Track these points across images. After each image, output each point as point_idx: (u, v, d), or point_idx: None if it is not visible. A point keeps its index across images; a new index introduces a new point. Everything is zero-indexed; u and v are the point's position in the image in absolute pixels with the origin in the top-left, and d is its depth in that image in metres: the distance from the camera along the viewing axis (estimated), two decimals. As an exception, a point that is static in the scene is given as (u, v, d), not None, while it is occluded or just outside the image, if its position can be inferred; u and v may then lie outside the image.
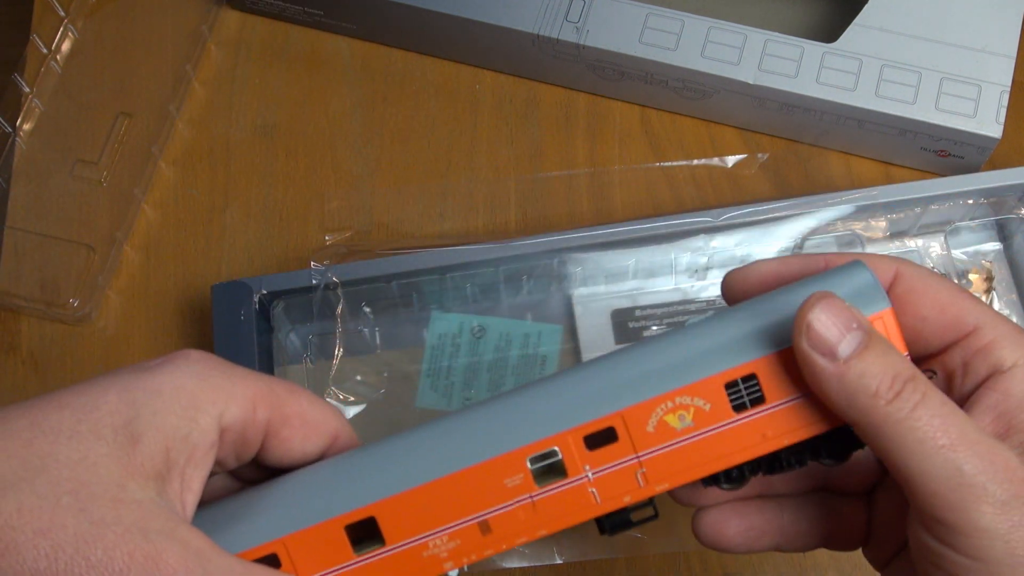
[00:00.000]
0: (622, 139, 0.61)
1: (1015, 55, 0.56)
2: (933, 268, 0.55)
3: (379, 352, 0.56)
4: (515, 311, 0.57)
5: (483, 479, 0.31)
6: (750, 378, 0.31)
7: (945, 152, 0.56)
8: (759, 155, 0.60)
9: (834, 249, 0.56)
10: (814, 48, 0.56)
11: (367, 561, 0.31)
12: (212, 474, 0.32)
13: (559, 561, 0.51)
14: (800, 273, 0.33)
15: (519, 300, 0.57)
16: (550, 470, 0.31)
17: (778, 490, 0.36)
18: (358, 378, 0.55)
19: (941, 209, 0.54)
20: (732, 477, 0.32)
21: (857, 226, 0.54)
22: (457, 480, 0.31)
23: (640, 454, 0.31)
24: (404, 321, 0.57)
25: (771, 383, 0.31)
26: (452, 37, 0.61)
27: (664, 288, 0.56)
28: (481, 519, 0.31)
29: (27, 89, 0.62)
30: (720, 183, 0.60)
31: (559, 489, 0.31)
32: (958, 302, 0.31)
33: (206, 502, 0.32)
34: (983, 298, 0.55)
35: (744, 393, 0.31)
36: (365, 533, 0.31)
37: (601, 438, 0.31)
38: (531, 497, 0.31)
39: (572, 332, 0.56)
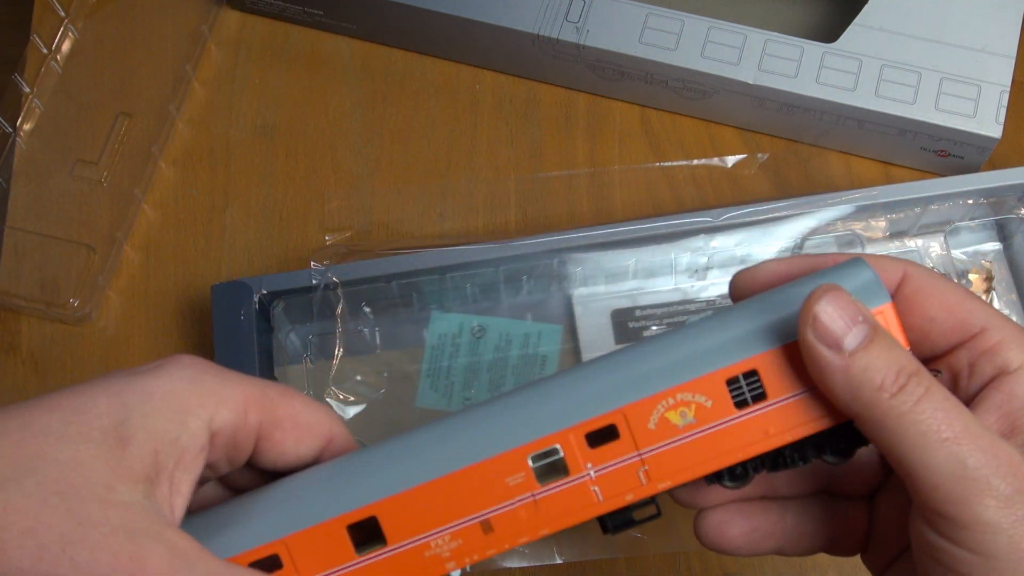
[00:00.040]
0: (622, 139, 0.61)
1: (1015, 55, 0.56)
2: (933, 268, 0.55)
3: (379, 352, 0.56)
4: (515, 311, 0.57)
5: (484, 478, 0.31)
6: (751, 374, 0.31)
7: (945, 152, 0.57)
8: (759, 155, 0.60)
9: (834, 249, 0.56)
10: (814, 48, 0.56)
11: (369, 561, 0.31)
12: (204, 480, 0.32)
13: (559, 561, 0.51)
14: (807, 273, 0.33)
15: (519, 300, 0.57)
16: (552, 468, 0.31)
17: (781, 492, 0.36)
18: (358, 378, 0.55)
19: (941, 209, 0.54)
20: (736, 475, 0.32)
21: (857, 226, 0.54)
22: (458, 479, 0.31)
23: (642, 451, 0.31)
24: (404, 321, 0.57)
25: (773, 379, 0.31)
26: (452, 37, 0.61)
27: (664, 288, 0.56)
28: (483, 518, 0.31)
29: (27, 89, 0.62)
30: (720, 183, 0.60)
31: (561, 487, 0.31)
32: (965, 304, 0.31)
33: (198, 510, 0.32)
34: (983, 298, 0.55)
35: (746, 389, 0.31)
36: (367, 533, 0.31)
37: (603, 435, 0.31)
38: (533, 496, 0.31)
39: (572, 332, 0.56)
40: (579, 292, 0.56)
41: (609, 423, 0.31)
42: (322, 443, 0.33)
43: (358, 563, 0.31)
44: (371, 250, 0.56)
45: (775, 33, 0.57)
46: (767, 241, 0.54)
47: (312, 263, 0.54)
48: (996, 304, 0.55)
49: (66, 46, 0.64)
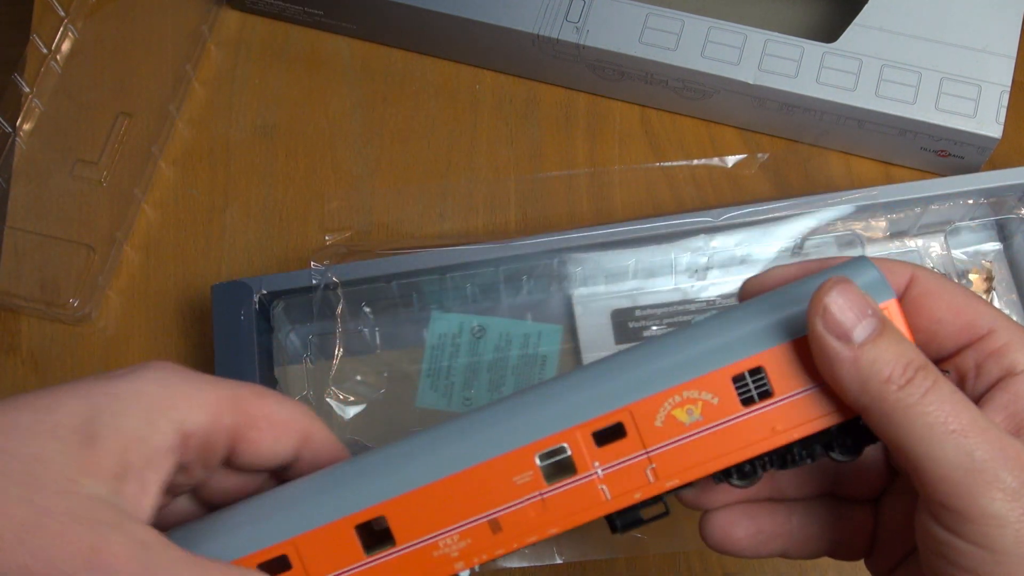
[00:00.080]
0: (622, 139, 0.61)
1: (1015, 55, 0.56)
2: (933, 268, 0.55)
3: (379, 352, 0.56)
4: (515, 311, 0.57)
5: (492, 477, 0.31)
6: (757, 371, 0.31)
7: (945, 152, 0.57)
8: (759, 155, 0.60)
9: (834, 249, 0.56)
10: (814, 48, 0.56)
11: (378, 562, 0.31)
12: (179, 491, 0.32)
13: (559, 561, 0.51)
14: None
15: (519, 300, 0.57)
16: (559, 467, 0.31)
17: (787, 494, 0.36)
18: (358, 378, 0.55)
19: (941, 209, 0.54)
20: (744, 473, 0.32)
21: (857, 226, 0.54)
22: (466, 478, 0.31)
23: (649, 449, 0.31)
24: (404, 321, 0.57)
25: (779, 375, 0.31)
26: (452, 37, 0.61)
27: (664, 288, 0.56)
28: (491, 517, 0.31)
29: (27, 89, 0.62)
30: (720, 183, 0.60)
31: (569, 486, 0.31)
32: (973, 306, 0.32)
33: (176, 524, 0.32)
34: (984, 298, 0.55)
35: (752, 386, 0.31)
36: (375, 533, 0.31)
37: (610, 434, 0.31)
38: (541, 495, 0.31)
39: (572, 332, 0.56)
40: (579, 292, 0.56)
41: (616, 421, 0.31)
42: (299, 440, 0.33)
43: (367, 563, 0.31)
44: (371, 250, 0.56)
45: (775, 33, 0.57)
46: (767, 241, 0.54)
47: (312, 263, 0.54)
48: (996, 304, 0.55)
49: (66, 46, 0.64)
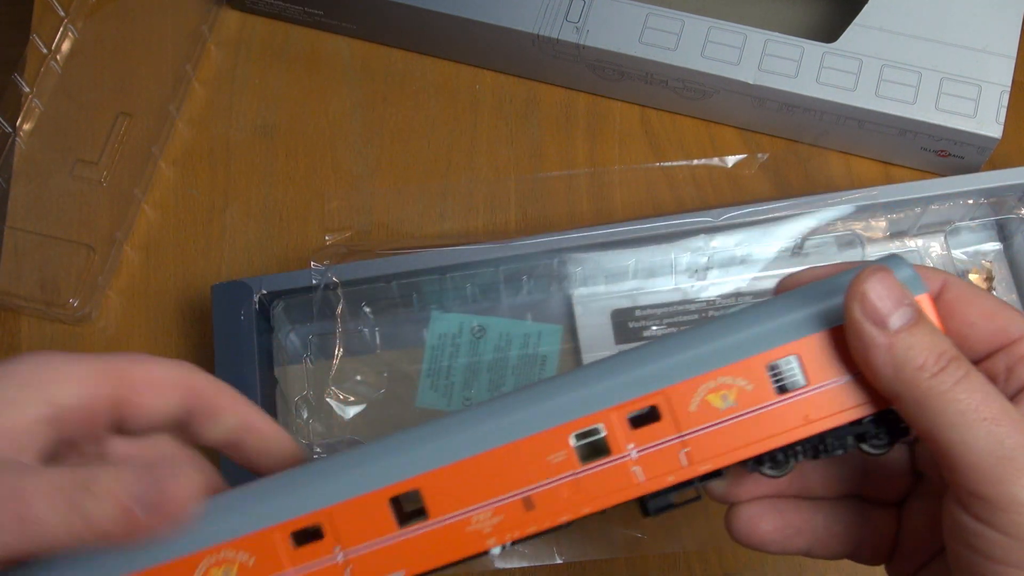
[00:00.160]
0: (622, 139, 0.61)
1: (1015, 55, 0.56)
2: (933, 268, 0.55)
3: (379, 352, 0.56)
4: (515, 311, 0.57)
5: (527, 455, 0.31)
6: (792, 359, 0.31)
7: (945, 152, 0.57)
8: (759, 155, 0.60)
9: (834, 249, 0.56)
10: (814, 48, 0.56)
11: (410, 535, 0.31)
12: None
13: (559, 561, 0.51)
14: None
15: (519, 300, 0.57)
16: (594, 448, 0.31)
17: (814, 492, 0.36)
18: (358, 378, 0.56)
19: (941, 209, 0.54)
20: (777, 461, 0.32)
21: (857, 226, 0.54)
22: (501, 455, 0.31)
23: (683, 433, 0.31)
24: (404, 321, 0.57)
25: (813, 365, 0.31)
26: (452, 37, 0.61)
27: (664, 288, 0.56)
28: (525, 495, 0.31)
29: (27, 89, 0.62)
30: (720, 183, 0.60)
31: (602, 467, 0.31)
32: (1004, 311, 0.32)
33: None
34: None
35: (786, 375, 0.31)
36: (409, 507, 0.31)
37: (644, 416, 0.31)
38: (574, 474, 0.31)
39: (572, 332, 0.56)
40: (579, 292, 0.56)
41: (651, 404, 0.31)
42: (184, 394, 0.33)
43: (399, 536, 0.31)
44: (371, 250, 0.56)
45: (775, 33, 0.57)
46: (767, 241, 0.54)
47: (312, 263, 0.54)
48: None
49: (66, 46, 0.64)
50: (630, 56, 0.57)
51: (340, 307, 0.54)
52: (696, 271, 0.56)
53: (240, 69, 0.65)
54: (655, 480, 0.31)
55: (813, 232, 0.54)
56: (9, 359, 0.31)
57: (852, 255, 0.56)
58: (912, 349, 0.29)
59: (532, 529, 0.31)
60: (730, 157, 0.60)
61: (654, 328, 0.56)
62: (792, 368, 0.31)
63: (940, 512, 0.31)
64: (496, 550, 0.31)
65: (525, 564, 0.51)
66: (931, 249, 0.56)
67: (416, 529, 0.31)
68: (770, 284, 0.55)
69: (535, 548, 0.52)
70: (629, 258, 0.54)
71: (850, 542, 0.36)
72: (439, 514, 0.31)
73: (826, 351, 0.31)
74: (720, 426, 0.31)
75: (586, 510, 0.31)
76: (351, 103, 0.63)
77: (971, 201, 0.54)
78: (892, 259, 0.32)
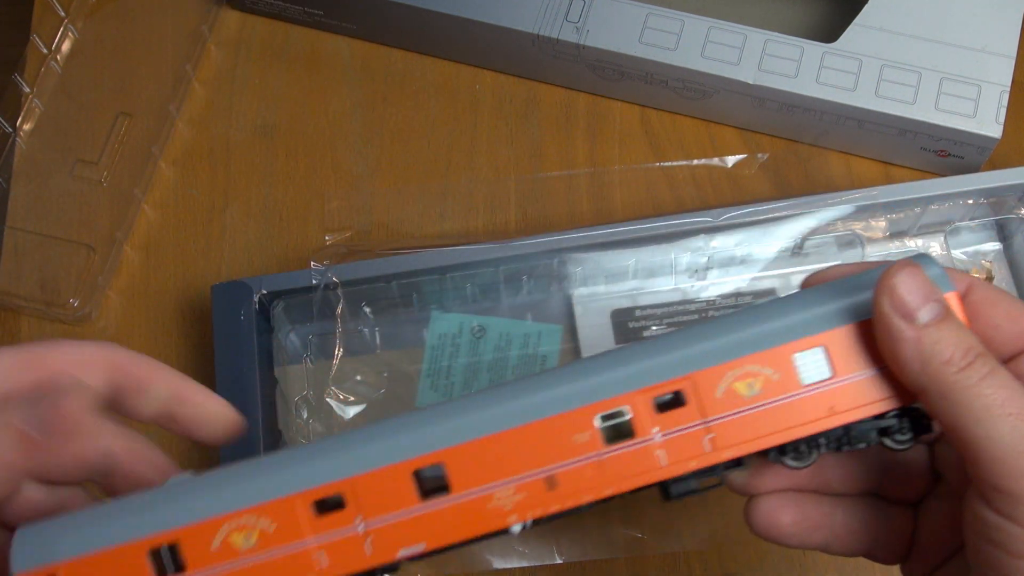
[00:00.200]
0: (622, 139, 0.61)
1: (1015, 55, 0.56)
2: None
3: (379, 352, 0.56)
4: (515, 311, 0.57)
5: (552, 434, 0.31)
6: (819, 350, 0.31)
7: (945, 152, 0.57)
8: (759, 155, 0.60)
9: (834, 249, 0.56)
10: (814, 48, 0.56)
11: (432, 508, 0.31)
12: None
13: (559, 561, 0.51)
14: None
15: (519, 300, 0.57)
16: (618, 430, 0.31)
17: (834, 488, 0.36)
18: (358, 378, 0.56)
19: (941, 209, 0.54)
20: (800, 452, 0.32)
21: (857, 226, 0.54)
22: (526, 433, 0.31)
23: (708, 419, 0.31)
24: (404, 321, 0.57)
25: (840, 357, 0.31)
26: (452, 37, 0.61)
27: (664, 288, 0.56)
28: (548, 474, 0.31)
29: (27, 89, 0.62)
30: (720, 183, 0.60)
31: (626, 449, 0.31)
32: None
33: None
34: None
35: (812, 365, 0.31)
36: (432, 481, 0.31)
37: (670, 401, 0.31)
38: (598, 455, 0.31)
39: (572, 332, 0.56)
40: (579, 292, 0.56)
41: (677, 388, 0.31)
42: (108, 372, 0.33)
43: (421, 509, 0.31)
44: (371, 250, 0.56)
45: (775, 33, 0.57)
46: (767, 241, 0.54)
47: (312, 263, 0.54)
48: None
49: (66, 46, 0.64)
50: (630, 56, 0.57)
51: (340, 307, 0.54)
52: (696, 271, 0.56)
53: (240, 69, 0.65)
54: (678, 465, 0.31)
55: (813, 232, 0.54)
56: None
57: (852, 255, 0.56)
58: (939, 343, 0.30)
59: (554, 508, 0.31)
60: (730, 157, 0.60)
61: (654, 328, 0.56)
62: (819, 359, 0.31)
63: (957, 514, 0.31)
64: (516, 528, 0.31)
65: (525, 564, 0.51)
66: (931, 249, 0.56)
67: (438, 503, 0.31)
68: (770, 284, 0.55)
69: (535, 548, 0.52)
70: (629, 258, 0.54)
71: (867, 539, 0.36)
72: (462, 489, 0.31)
73: (853, 344, 0.31)
74: (745, 414, 0.31)
75: (608, 491, 0.31)
76: (351, 103, 0.63)
77: (971, 201, 0.54)
78: (921, 258, 0.32)
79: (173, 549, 0.30)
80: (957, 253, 0.56)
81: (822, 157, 0.60)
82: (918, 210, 0.54)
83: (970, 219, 0.55)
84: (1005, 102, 0.54)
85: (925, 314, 0.30)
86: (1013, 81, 0.55)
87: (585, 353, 0.55)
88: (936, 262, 0.32)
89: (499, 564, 0.51)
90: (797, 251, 0.55)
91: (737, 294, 0.56)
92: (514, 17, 0.59)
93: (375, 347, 0.56)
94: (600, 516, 0.52)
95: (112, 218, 0.59)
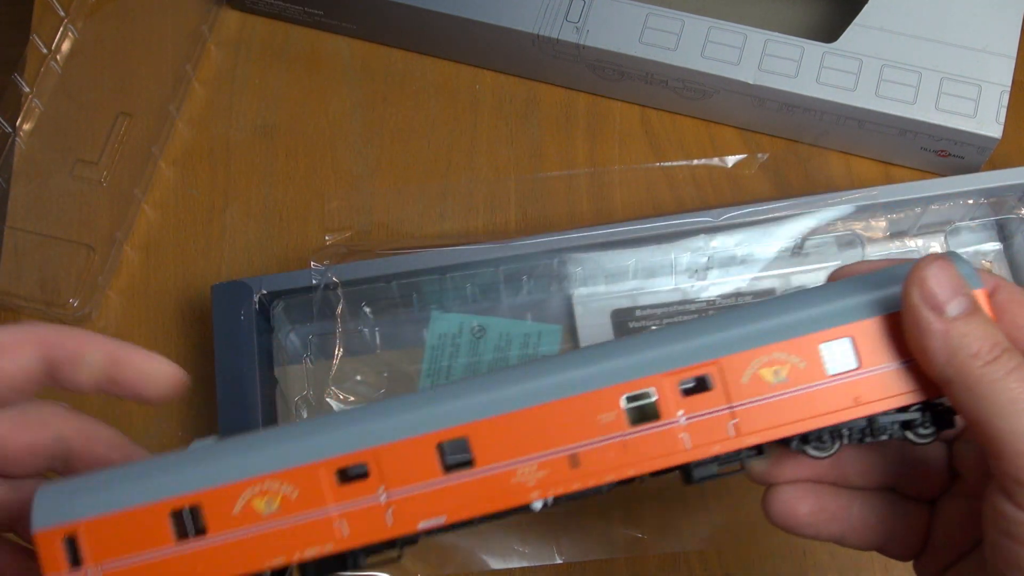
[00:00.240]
0: (622, 139, 0.61)
1: (1015, 55, 0.56)
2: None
3: (379, 352, 0.56)
4: (515, 311, 0.57)
5: (578, 412, 0.31)
6: (846, 341, 0.32)
7: (945, 152, 0.57)
8: (759, 155, 0.60)
9: (834, 249, 0.56)
10: (814, 48, 0.56)
11: (455, 481, 0.31)
12: None
13: (559, 561, 0.51)
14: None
15: (519, 300, 0.57)
16: (644, 411, 0.32)
17: (851, 481, 0.37)
18: (358, 378, 0.55)
19: (941, 209, 0.54)
20: (822, 441, 0.32)
21: (857, 226, 0.54)
22: (552, 410, 0.31)
23: (734, 404, 0.32)
24: (404, 321, 0.57)
25: (866, 348, 0.32)
26: (452, 37, 0.61)
27: (664, 288, 0.56)
28: (572, 452, 0.31)
29: (27, 89, 0.62)
30: (720, 183, 0.60)
31: (651, 431, 0.32)
32: None
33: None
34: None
35: (838, 356, 0.32)
36: (455, 455, 0.31)
37: (696, 385, 0.32)
38: (623, 436, 0.31)
39: (572, 332, 0.56)
40: (579, 292, 0.56)
41: (704, 373, 0.32)
42: (38, 348, 0.33)
43: (444, 481, 0.31)
44: (371, 250, 0.56)
45: (775, 33, 0.57)
46: (767, 241, 0.54)
47: (312, 263, 0.54)
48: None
49: (66, 46, 0.64)
50: (630, 56, 0.57)
51: (340, 307, 0.54)
52: (696, 271, 0.56)
53: (240, 69, 0.65)
54: (701, 448, 0.32)
55: (813, 232, 0.54)
56: None
57: (852, 255, 0.56)
58: (967, 336, 0.30)
59: (576, 486, 0.31)
60: (730, 157, 0.60)
61: (654, 328, 0.56)
62: (845, 350, 0.32)
63: (973, 512, 0.32)
64: (538, 504, 0.31)
65: (525, 564, 0.51)
66: (931, 249, 0.56)
67: (461, 476, 0.31)
68: (770, 284, 0.55)
69: (535, 548, 0.52)
70: (629, 258, 0.54)
71: (882, 534, 0.36)
72: (485, 463, 0.31)
73: (880, 336, 0.32)
74: (770, 400, 0.32)
75: (631, 472, 0.31)
76: (351, 103, 0.63)
77: (971, 201, 0.54)
78: (951, 255, 0.32)
79: (194, 511, 0.30)
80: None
81: (822, 157, 0.60)
82: (918, 210, 0.54)
83: (970, 219, 0.55)
84: (1005, 102, 0.54)
85: (954, 307, 0.30)
86: (1013, 81, 0.55)
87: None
88: (966, 260, 0.32)
89: (499, 564, 0.51)
90: (797, 251, 0.55)
91: (737, 294, 0.56)
92: (514, 17, 0.59)
93: (375, 347, 0.56)
94: (600, 516, 0.52)
95: (112, 218, 0.59)
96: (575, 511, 0.52)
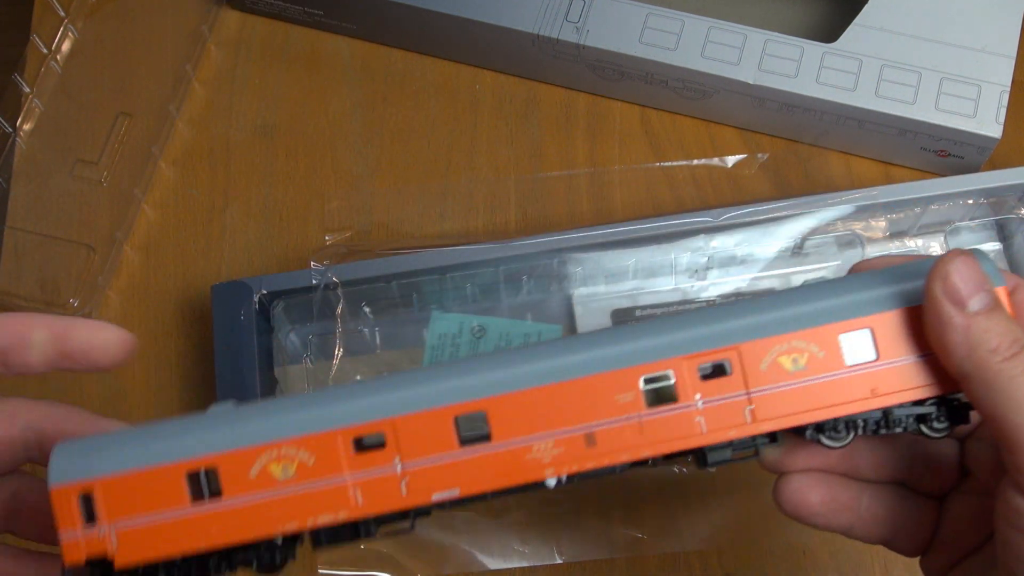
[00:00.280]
0: (622, 139, 0.61)
1: (1015, 55, 0.56)
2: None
3: (379, 352, 0.56)
4: (515, 311, 0.57)
5: (596, 391, 0.32)
6: (865, 332, 0.32)
7: (945, 152, 0.57)
8: (759, 155, 0.60)
9: (834, 249, 0.56)
10: (814, 48, 0.56)
11: (470, 455, 0.31)
12: None
13: (559, 561, 0.51)
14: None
15: (519, 300, 0.57)
16: (661, 393, 0.32)
17: (862, 473, 0.37)
18: (358, 378, 0.55)
19: (941, 209, 0.54)
20: (837, 431, 0.32)
21: (857, 226, 0.54)
22: (570, 388, 0.31)
23: (751, 390, 0.32)
24: (404, 321, 0.57)
25: (885, 340, 0.32)
26: (452, 37, 0.61)
27: (664, 288, 0.56)
28: (588, 430, 0.32)
29: (27, 89, 0.62)
30: (720, 183, 0.60)
31: (667, 413, 0.32)
32: None
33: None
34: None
35: (857, 347, 0.32)
36: (471, 429, 0.32)
37: (715, 369, 0.32)
38: (639, 416, 0.32)
39: (572, 332, 0.56)
40: (579, 292, 0.56)
41: (723, 358, 0.32)
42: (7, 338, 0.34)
43: (459, 454, 0.31)
44: (371, 250, 0.56)
45: (775, 33, 0.57)
46: (767, 241, 0.54)
47: (312, 263, 0.54)
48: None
49: (66, 46, 0.64)
50: (630, 56, 0.57)
51: (340, 307, 0.54)
52: (696, 271, 0.56)
53: (240, 69, 0.65)
54: (717, 433, 0.32)
55: (813, 232, 0.54)
56: None
57: (852, 255, 0.56)
58: (988, 332, 0.30)
59: (590, 465, 0.31)
60: (730, 157, 0.60)
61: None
62: (864, 341, 0.32)
63: (982, 510, 0.32)
64: (552, 481, 0.32)
65: (525, 564, 0.51)
66: (931, 249, 0.56)
67: (477, 450, 0.31)
68: (770, 284, 0.55)
69: (535, 548, 0.52)
70: (629, 258, 0.54)
71: (890, 527, 0.37)
72: (502, 438, 0.31)
73: (899, 329, 0.32)
74: (788, 388, 0.32)
75: (646, 453, 0.32)
76: (351, 103, 0.63)
77: (971, 201, 0.54)
78: (975, 252, 0.33)
79: (211, 474, 0.31)
80: (957, 253, 0.56)
81: (822, 157, 0.60)
82: (918, 210, 0.54)
83: (970, 219, 0.55)
84: (1005, 102, 0.54)
85: (976, 303, 0.30)
86: (1013, 81, 0.55)
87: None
88: (989, 258, 0.32)
89: (499, 564, 0.51)
90: (797, 251, 0.55)
91: (737, 294, 0.56)
92: (514, 17, 0.59)
93: (375, 347, 0.56)
94: (600, 516, 0.52)
95: (112, 218, 0.59)
96: (575, 511, 0.52)
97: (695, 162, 0.60)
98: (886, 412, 0.32)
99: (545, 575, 0.52)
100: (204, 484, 0.31)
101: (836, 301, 0.32)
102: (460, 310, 0.56)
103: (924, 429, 0.33)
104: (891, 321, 0.32)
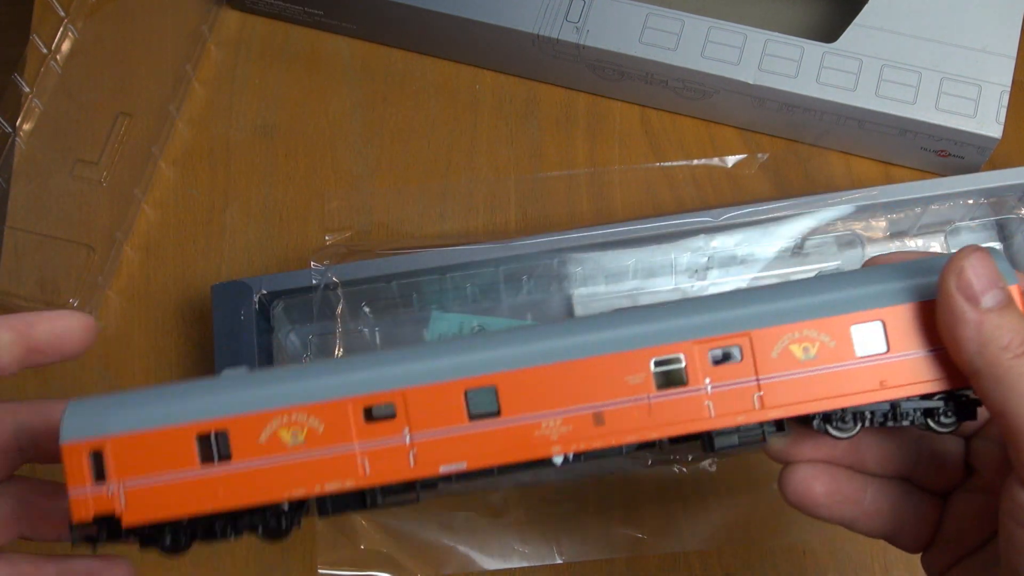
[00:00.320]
0: (622, 139, 0.61)
1: (1015, 55, 0.56)
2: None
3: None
4: (515, 311, 0.57)
5: (606, 371, 0.32)
6: (877, 324, 0.32)
7: (945, 152, 0.57)
8: (759, 155, 0.60)
9: (834, 249, 0.56)
10: (814, 48, 0.56)
11: (479, 429, 0.31)
12: None
13: (559, 561, 0.51)
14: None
15: (519, 300, 0.57)
16: (671, 376, 0.32)
17: (867, 467, 0.37)
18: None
19: (941, 209, 0.54)
20: (844, 422, 0.33)
21: (857, 226, 0.54)
22: (581, 367, 0.32)
23: (761, 377, 0.32)
24: (404, 321, 0.57)
25: (896, 333, 0.32)
26: (452, 37, 0.61)
27: (664, 288, 0.56)
28: (597, 410, 0.32)
29: (27, 89, 0.62)
30: (720, 183, 0.60)
31: (677, 396, 0.32)
32: None
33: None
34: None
35: (868, 338, 0.32)
36: (479, 404, 0.32)
37: (726, 355, 0.32)
38: (648, 398, 0.32)
39: (572, 332, 0.56)
40: (579, 292, 0.56)
41: (735, 343, 0.32)
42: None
43: (467, 428, 0.31)
44: (371, 250, 0.56)
45: (775, 33, 0.57)
46: (767, 241, 0.54)
47: (312, 263, 0.54)
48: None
49: (66, 46, 0.64)
50: (630, 56, 0.57)
51: (340, 307, 0.54)
52: (696, 271, 0.56)
53: (240, 69, 0.65)
54: (725, 418, 0.32)
55: (813, 232, 0.54)
56: None
57: (852, 255, 0.56)
58: (1000, 329, 0.30)
59: (598, 444, 0.32)
60: (730, 157, 0.60)
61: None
62: (876, 333, 0.32)
63: (986, 508, 0.32)
64: (559, 459, 0.32)
65: (525, 564, 0.51)
66: (931, 249, 0.56)
67: (486, 424, 0.31)
68: (770, 284, 0.55)
69: (535, 548, 0.52)
70: (629, 258, 0.54)
71: (893, 522, 0.37)
72: (511, 414, 0.31)
73: (910, 323, 0.32)
74: (797, 376, 0.32)
75: (653, 435, 0.32)
76: (351, 103, 0.63)
77: (971, 201, 0.54)
78: (990, 250, 0.33)
79: (221, 437, 0.31)
80: (957, 253, 0.56)
81: (822, 157, 0.60)
82: (918, 210, 0.54)
83: (970, 219, 0.55)
84: (1005, 102, 0.54)
85: (989, 299, 0.30)
86: (1013, 81, 0.55)
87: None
88: (1003, 255, 0.33)
89: (499, 564, 0.51)
90: (797, 251, 0.55)
91: (737, 294, 0.56)
92: (514, 17, 0.59)
93: (375, 347, 0.56)
94: (600, 516, 0.52)
95: (112, 218, 0.59)
96: (575, 511, 0.52)
97: (695, 162, 0.60)
98: (894, 405, 0.33)
99: (545, 575, 0.52)
100: (214, 447, 0.31)
101: (849, 292, 0.32)
102: (460, 310, 0.56)
103: (931, 423, 0.33)
104: (903, 314, 0.32)
